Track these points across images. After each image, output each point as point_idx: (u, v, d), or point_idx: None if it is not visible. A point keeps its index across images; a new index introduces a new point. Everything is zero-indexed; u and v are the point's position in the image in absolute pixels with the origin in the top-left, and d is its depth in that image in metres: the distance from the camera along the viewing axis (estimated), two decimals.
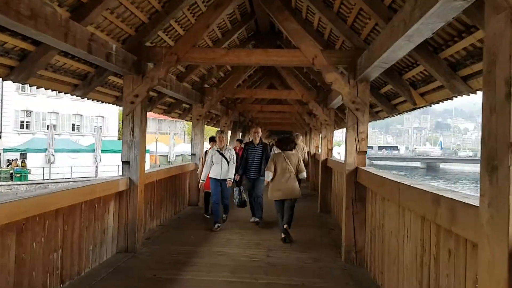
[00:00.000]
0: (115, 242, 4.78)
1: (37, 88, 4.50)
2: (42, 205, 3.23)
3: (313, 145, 11.78)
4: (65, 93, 4.91)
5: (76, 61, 4.54)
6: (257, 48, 7.40)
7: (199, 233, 6.05)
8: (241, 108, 12.07)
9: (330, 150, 8.37)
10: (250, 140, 7.40)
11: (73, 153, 30.26)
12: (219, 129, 9.51)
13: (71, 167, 29.48)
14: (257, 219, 6.95)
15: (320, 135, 8.55)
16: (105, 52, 4.06)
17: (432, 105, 4.82)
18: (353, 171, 4.85)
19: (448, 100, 4.43)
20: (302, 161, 6.18)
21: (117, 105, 6.21)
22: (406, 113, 6.08)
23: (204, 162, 6.88)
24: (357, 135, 4.85)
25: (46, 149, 27.56)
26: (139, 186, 4.94)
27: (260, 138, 7.20)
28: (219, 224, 6.37)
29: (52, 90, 4.69)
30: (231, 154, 6.66)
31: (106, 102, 5.85)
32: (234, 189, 7.18)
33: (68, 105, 35.37)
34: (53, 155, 28.00)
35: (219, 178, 6.53)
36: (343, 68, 5.02)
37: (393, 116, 6.40)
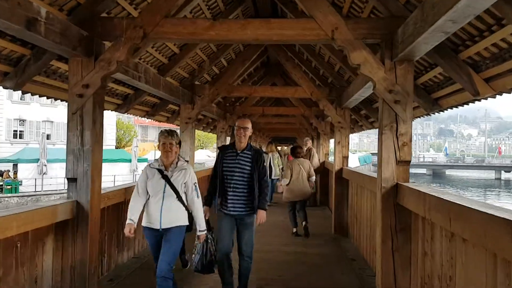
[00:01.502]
0: None
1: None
2: None
3: (322, 152, 10.38)
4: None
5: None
6: (255, 18, 5.86)
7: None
8: (240, 111, 10.68)
9: (345, 158, 6.96)
10: (231, 142, 4.60)
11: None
12: (172, 130, 6.84)
13: (64, 178, 28.07)
14: None
15: (333, 140, 7.16)
16: (25, 17, 2.69)
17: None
18: (392, 189, 3.44)
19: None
20: (312, 167, 6.95)
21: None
22: (451, 109, 4.68)
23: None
24: (397, 137, 3.44)
25: (38, 159, 26.33)
26: (92, 212, 3.53)
27: (249, 140, 4.03)
28: None
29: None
30: (187, 177, 3.48)
31: (54, 98, 4.41)
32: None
33: (63, 113, 34.15)
34: (45, 165, 26.77)
35: (157, 227, 3.40)
36: (377, 43, 3.63)
37: (433, 113, 4.99)
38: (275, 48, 7.34)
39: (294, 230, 6.69)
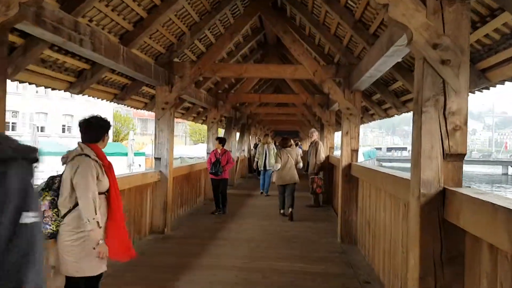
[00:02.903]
0: None
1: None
2: None
3: (326, 145, 9.13)
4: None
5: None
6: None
7: None
8: (234, 99, 9.47)
9: (354, 152, 5.73)
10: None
11: (60, 157, 27.89)
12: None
13: (57, 172, 27.15)
14: None
15: (341, 131, 5.91)
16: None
17: None
18: (437, 197, 2.22)
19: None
20: (299, 156, 7.93)
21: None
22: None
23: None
24: (445, 118, 2.22)
25: None
26: None
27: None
28: None
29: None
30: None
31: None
32: None
33: (58, 105, 33.12)
34: None
35: None
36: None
37: (480, 91, 3.77)
38: (272, 21, 6.07)
39: (282, 211, 7.51)
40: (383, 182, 3.89)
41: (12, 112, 30.73)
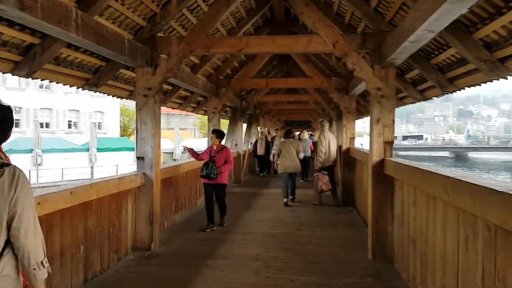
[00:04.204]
0: None
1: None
2: None
3: (346, 136, 7.87)
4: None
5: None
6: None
7: None
8: (238, 86, 8.25)
9: (388, 144, 4.48)
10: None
11: (65, 153, 27.23)
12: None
13: (62, 168, 26.55)
14: None
15: (370, 118, 4.61)
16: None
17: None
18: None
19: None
20: (300, 145, 8.03)
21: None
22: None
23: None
24: None
25: (32, 150, 24.54)
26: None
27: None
28: None
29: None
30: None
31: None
32: None
33: (62, 100, 32.36)
34: (40, 155, 25.02)
35: None
36: None
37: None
38: None
39: (285, 200, 7.68)
40: (444, 188, 2.66)
41: (15, 108, 30.01)
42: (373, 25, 4.65)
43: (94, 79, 4.77)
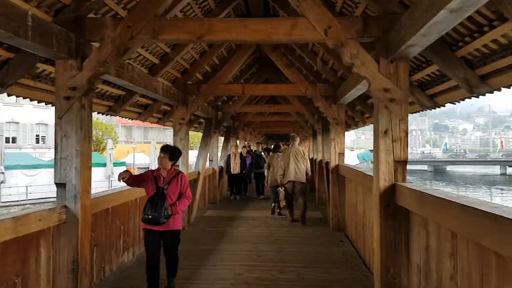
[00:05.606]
0: None
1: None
2: None
3: (335, 151, 6.69)
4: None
5: None
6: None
7: None
8: (209, 92, 7.00)
9: (400, 164, 3.31)
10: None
11: (31, 170, 25.42)
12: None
13: (27, 186, 24.70)
14: None
15: (374, 129, 3.41)
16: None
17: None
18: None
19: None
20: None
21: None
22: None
23: None
24: None
25: None
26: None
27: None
28: None
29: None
30: None
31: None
32: None
33: (30, 113, 30.40)
34: (2, 173, 23.23)
35: None
36: None
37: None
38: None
39: (278, 210, 8.35)
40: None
41: None
42: (376, 6, 3.51)
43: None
